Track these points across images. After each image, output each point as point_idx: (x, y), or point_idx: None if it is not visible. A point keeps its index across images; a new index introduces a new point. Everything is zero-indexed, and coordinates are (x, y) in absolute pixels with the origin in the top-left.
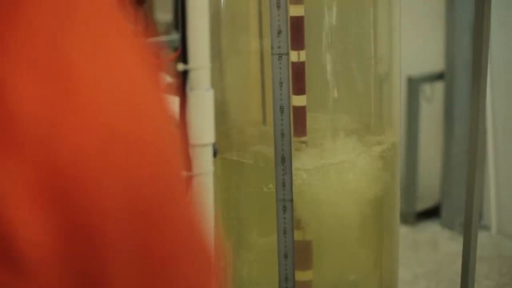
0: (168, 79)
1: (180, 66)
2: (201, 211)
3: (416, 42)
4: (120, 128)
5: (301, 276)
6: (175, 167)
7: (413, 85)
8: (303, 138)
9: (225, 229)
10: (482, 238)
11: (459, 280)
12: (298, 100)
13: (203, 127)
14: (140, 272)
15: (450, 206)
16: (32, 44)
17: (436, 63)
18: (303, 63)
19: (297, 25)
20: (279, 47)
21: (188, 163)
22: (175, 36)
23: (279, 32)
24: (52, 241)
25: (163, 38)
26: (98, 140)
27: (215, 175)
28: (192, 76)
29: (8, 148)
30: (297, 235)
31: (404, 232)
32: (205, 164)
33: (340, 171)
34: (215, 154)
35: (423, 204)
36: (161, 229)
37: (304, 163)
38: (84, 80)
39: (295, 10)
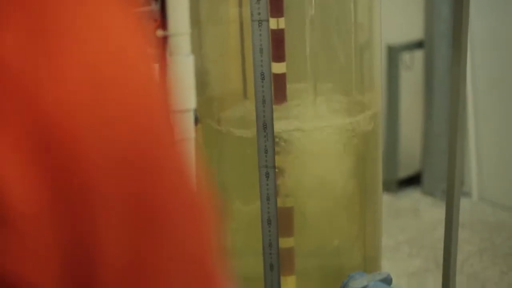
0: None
1: (160, 32)
2: (191, 168)
3: (395, 10)
4: (108, 79)
5: (283, 242)
6: (165, 120)
7: (393, 53)
8: (284, 105)
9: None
10: (464, 204)
11: (441, 246)
12: (278, 68)
13: (184, 93)
14: (131, 226)
15: (431, 173)
16: None
17: (415, 32)
18: (282, 30)
19: None
20: (259, 13)
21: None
22: (154, 7)
23: None
24: (41, 196)
25: (143, 9)
26: (85, 90)
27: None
28: (172, 41)
29: None
30: (278, 202)
31: (386, 199)
32: (186, 130)
33: (321, 138)
34: (196, 122)
35: (404, 171)
36: (152, 183)
37: (285, 129)
38: (70, 32)
39: None
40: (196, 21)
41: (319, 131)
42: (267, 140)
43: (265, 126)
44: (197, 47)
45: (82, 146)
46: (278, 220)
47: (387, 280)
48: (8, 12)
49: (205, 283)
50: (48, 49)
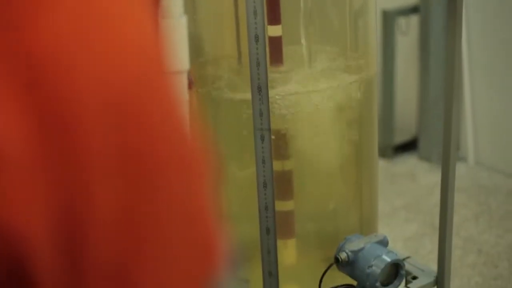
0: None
1: None
2: (186, 127)
3: None
4: (101, 23)
5: (283, 206)
6: (159, 72)
7: (388, 18)
8: (280, 68)
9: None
10: (460, 169)
11: (437, 210)
12: (274, 30)
13: (177, 54)
14: (123, 176)
15: (427, 138)
16: None
17: None
18: None
19: None
20: None
21: None
22: None
23: None
24: (30, 138)
25: None
26: (77, 32)
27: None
28: (164, 3)
29: None
30: (277, 166)
31: (382, 165)
32: (180, 92)
33: (317, 101)
34: (190, 85)
35: (400, 137)
36: (144, 131)
37: (281, 92)
38: None
39: None
40: None
41: (315, 94)
42: (262, 103)
43: (259, 89)
44: (191, 12)
45: (73, 87)
46: (274, 183)
47: (384, 243)
48: None
49: (200, 237)
50: None
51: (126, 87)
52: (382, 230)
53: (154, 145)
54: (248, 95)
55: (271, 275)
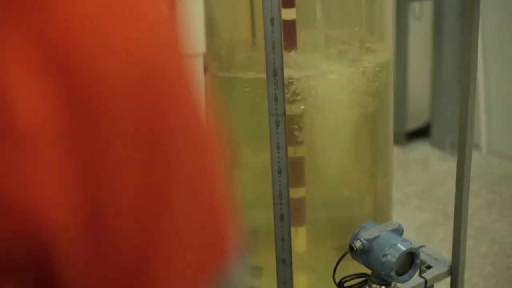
0: None
1: None
2: (202, 109)
3: None
4: (123, 3)
5: (294, 193)
6: (176, 52)
7: (402, 3)
8: (294, 51)
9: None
10: (472, 157)
11: (449, 198)
12: (288, 14)
13: (193, 37)
14: (142, 153)
15: (439, 126)
16: None
17: None
18: None
19: None
20: None
21: None
22: None
23: None
24: (54, 113)
25: None
26: (100, 11)
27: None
28: None
29: (8, 13)
30: (289, 152)
31: (394, 152)
32: (196, 75)
33: (331, 85)
34: (205, 70)
35: (413, 124)
36: (163, 110)
37: (296, 77)
38: None
39: None
40: None
41: (329, 78)
42: (277, 87)
43: (275, 73)
44: None
45: (97, 68)
46: (288, 170)
47: (398, 231)
48: None
49: (213, 225)
50: None
51: (147, 68)
52: (394, 217)
53: (173, 128)
54: (262, 78)
55: (284, 263)
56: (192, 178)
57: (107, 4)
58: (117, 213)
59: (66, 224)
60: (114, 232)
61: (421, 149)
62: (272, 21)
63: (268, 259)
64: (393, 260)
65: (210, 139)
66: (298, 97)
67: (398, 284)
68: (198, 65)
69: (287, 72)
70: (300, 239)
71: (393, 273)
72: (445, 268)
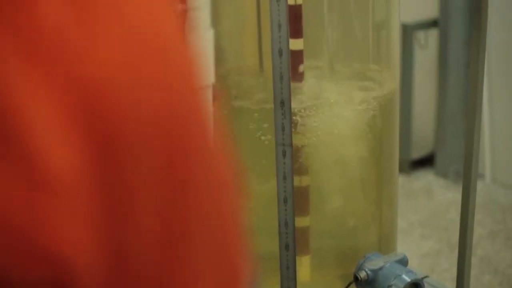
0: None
1: (179, 6)
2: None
3: None
4: (146, 44)
5: (299, 222)
6: (194, 87)
7: (407, 32)
8: (300, 81)
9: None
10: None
11: (453, 227)
12: (295, 44)
13: (205, 68)
14: (164, 193)
15: (444, 154)
16: None
17: (430, 10)
18: (300, 6)
19: None
20: None
21: None
22: None
23: None
24: (80, 159)
25: None
26: (124, 54)
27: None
28: (191, 15)
29: (34, 62)
30: (294, 181)
31: (399, 180)
32: (208, 108)
33: (338, 116)
34: (214, 98)
35: (417, 152)
36: (184, 150)
37: (302, 106)
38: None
39: None
40: None
41: (335, 108)
42: (285, 117)
43: (282, 103)
44: (213, 24)
45: (121, 109)
46: (294, 199)
47: (403, 262)
48: None
49: (227, 257)
50: (87, 14)
51: (171, 111)
52: (398, 246)
53: (192, 166)
54: (269, 108)
55: None
56: (209, 215)
57: (135, 52)
58: (138, 254)
59: (90, 266)
60: (135, 273)
61: (425, 178)
62: (280, 52)
63: (272, 287)
64: None
65: (224, 172)
66: (304, 127)
67: None
68: (208, 96)
69: (293, 102)
70: (304, 268)
71: None
72: None
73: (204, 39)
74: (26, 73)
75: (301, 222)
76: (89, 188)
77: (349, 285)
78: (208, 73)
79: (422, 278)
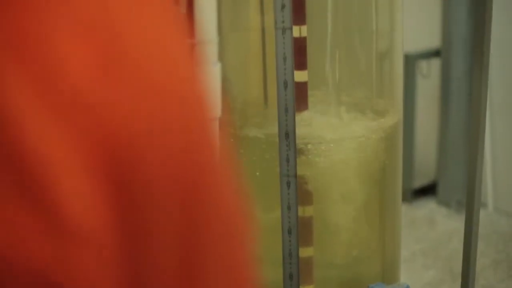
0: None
1: (188, 41)
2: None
3: (412, 19)
4: (164, 91)
5: (303, 252)
6: (208, 127)
7: (410, 61)
8: (304, 113)
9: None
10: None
11: (456, 257)
12: (300, 76)
13: (212, 102)
14: (183, 236)
15: (446, 183)
16: (80, 4)
17: (432, 40)
18: (304, 38)
19: (298, 0)
20: (282, 21)
21: None
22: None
23: (283, 7)
24: (104, 210)
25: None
26: (148, 106)
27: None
28: (199, 50)
29: (55, 110)
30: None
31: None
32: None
33: (342, 147)
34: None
35: (419, 181)
36: (202, 192)
37: (306, 138)
38: (131, 44)
39: None
40: (217, 28)
41: (339, 140)
42: (289, 149)
43: (287, 135)
44: (219, 56)
45: (138, 152)
46: (298, 230)
47: None
48: (78, 25)
49: (239, 285)
50: (113, 66)
51: (186, 152)
52: (401, 276)
53: (208, 204)
54: (274, 139)
55: None
56: (221, 248)
57: (153, 97)
58: None
59: None
60: None
61: (427, 207)
62: (285, 84)
63: None
64: None
65: (233, 204)
66: (307, 158)
67: None
68: (215, 128)
69: (297, 133)
70: None
71: None
72: None
73: (211, 74)
74: (51, 124)
75: (305, 252)
76: (111, 233)
77: None
78: (215, 106)
79: None
